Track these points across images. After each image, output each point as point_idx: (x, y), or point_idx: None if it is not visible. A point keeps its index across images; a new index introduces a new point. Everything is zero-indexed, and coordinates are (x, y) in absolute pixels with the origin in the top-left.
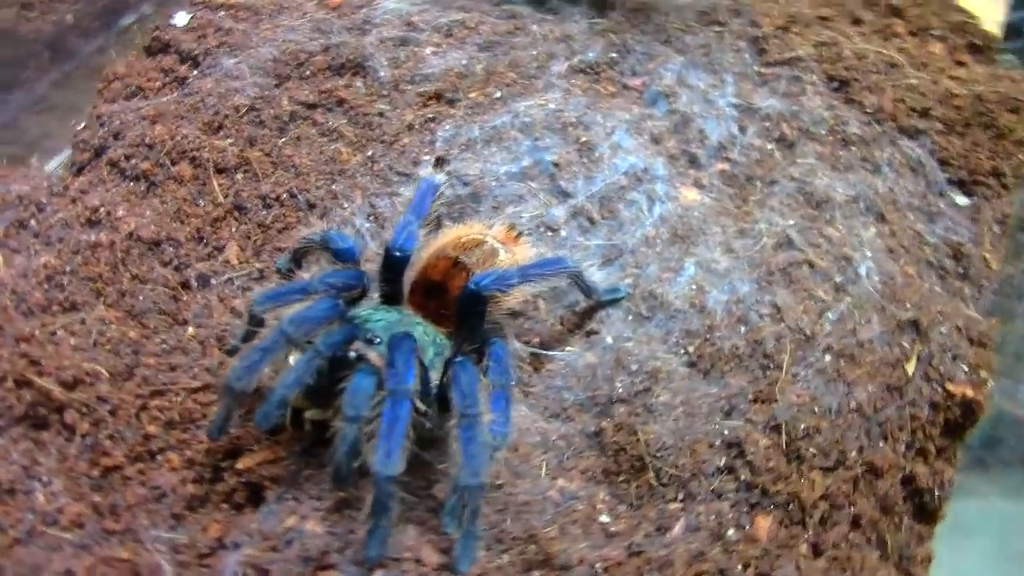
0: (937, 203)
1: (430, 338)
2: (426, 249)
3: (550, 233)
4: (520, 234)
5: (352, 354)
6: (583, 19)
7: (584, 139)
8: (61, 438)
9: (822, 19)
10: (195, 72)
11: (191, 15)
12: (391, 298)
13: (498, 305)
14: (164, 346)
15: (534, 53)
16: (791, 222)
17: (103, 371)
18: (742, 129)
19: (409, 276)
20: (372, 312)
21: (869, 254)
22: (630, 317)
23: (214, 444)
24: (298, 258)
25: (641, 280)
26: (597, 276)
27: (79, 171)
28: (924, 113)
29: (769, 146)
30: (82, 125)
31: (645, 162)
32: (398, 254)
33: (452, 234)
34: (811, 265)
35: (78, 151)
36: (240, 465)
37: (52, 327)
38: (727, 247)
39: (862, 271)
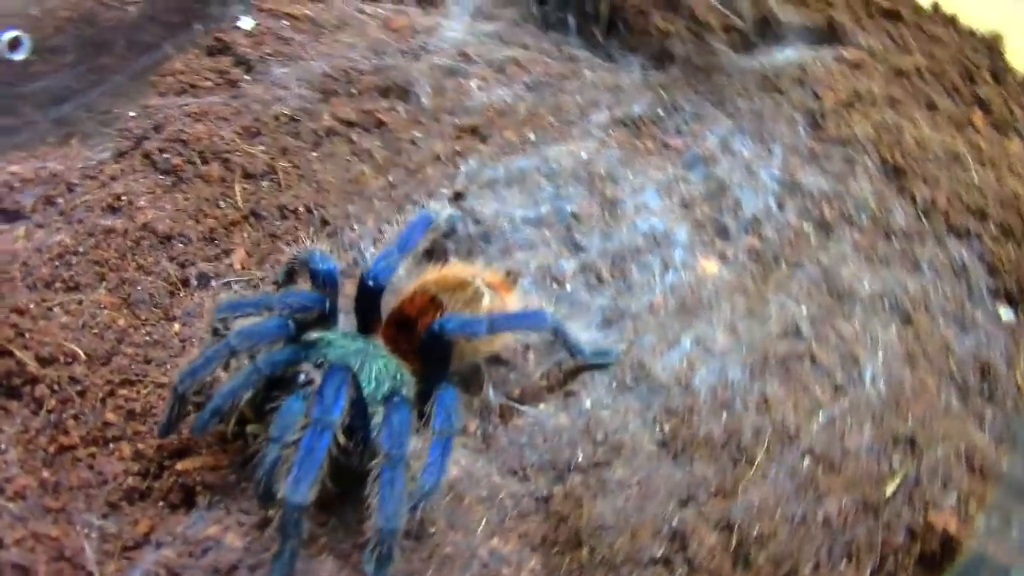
0: (974, 313)
1: (389, 372)
2: (410, 282)
3: (555, 285)
4: (515, 281)
5: (302, 376)
6: (639, 70)
7: (610, 194)
8: (27, 410)
9: (891, 100)
10: (247, 77)
11: (256, 21)
12: (364, 326)
13: (473, 349)
14: (147, 338)
15: (579, 99)
16: (805, 310)
17: (82, 353)
18: (780, 205)
19: (389, 306)
20: (336, 338)
21: (881, 357)
22: (614, 384)
23: (162, 441)
24: (290, 272)
25: (635, 348)
26: (587, 336)
27: (117, 158)
28: (980, 213)
29: (805, 226)
30: (132, 114)
31: (668, 226)
32: (371, 283)
33: (440, 271)
34: (813, 359)
35: (122, 139)
36: (180, 466)
37: (50, 303)
38: (731, 327)
39: (867, 374)
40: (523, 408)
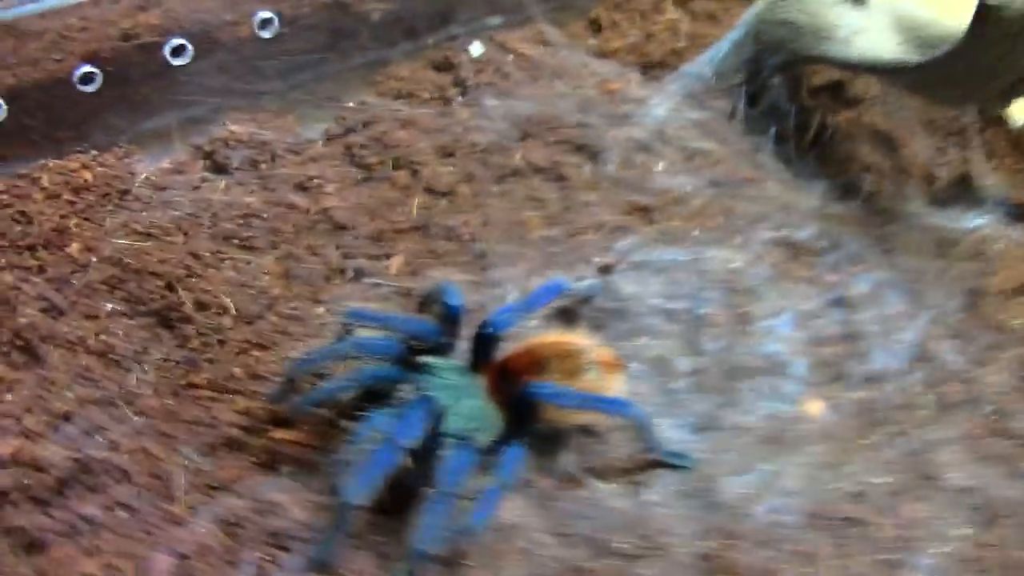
0: None
1: (477, 414)
2: (529, 338)
3: (665, 379)
4: (625, 365)
5: (400, 394)
6: (819, 197)
7: (746, 308)
8: (174, 343)
9: None
10: (460, 99)
11: (485, 50)
12: (475, 365)
13: (562, 416)
14: (293, 312)
15: (752, 208)
16: (884, 479)
17: (233, 308)
18: (908, 371)
19: (502, 353)
20: (444, 367)
21: (944, 551)
22: (680, 487)
23: (271, 406)
24: (429, 295)
25: (713, 461)
26: (676, 435)
27: (325, 141)
28: None
29: (924, 399)
30: (350, 104)
31: (790, 356)
32: (488, 331)
33: (558, 336)
34: (872, 531)
35: (333, 125)
36: (276, 434)
37: (223, 256)
38: (808, 471)
39: (922, 562)
40: (591, 480)
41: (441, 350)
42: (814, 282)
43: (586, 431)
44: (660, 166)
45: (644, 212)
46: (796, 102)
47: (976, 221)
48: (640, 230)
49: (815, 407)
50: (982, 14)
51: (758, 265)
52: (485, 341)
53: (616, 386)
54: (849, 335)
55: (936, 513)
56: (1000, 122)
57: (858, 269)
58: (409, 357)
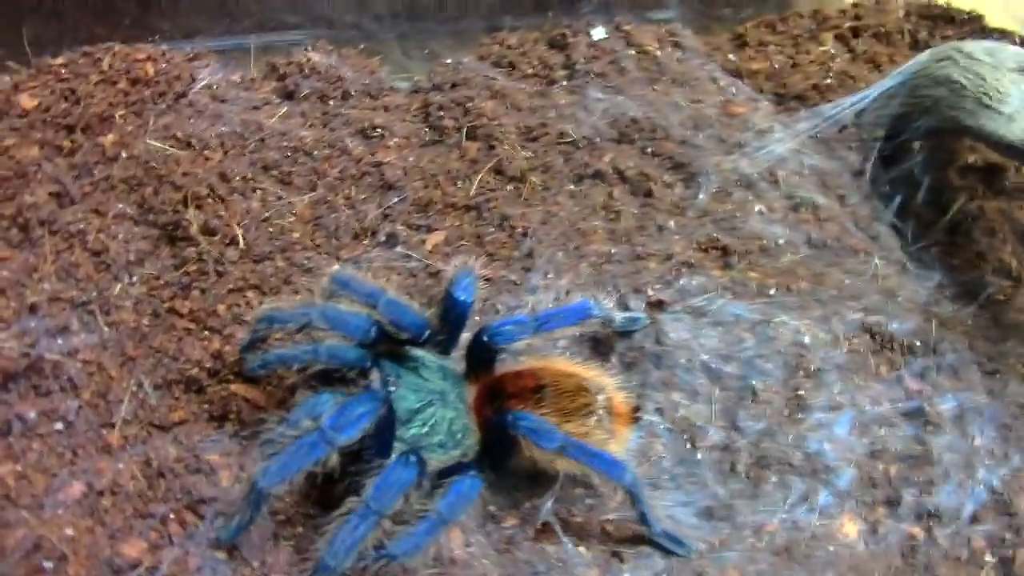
0: None
1: (449, 427)
2: (535, 358)
3: (688, 446)
4: (638, 419)
5: (373, 380)
6: (931, 290)
7: (803, 394)
8: (172, 262)
9: None
10: (564, 83)
11: (607, 37)
12: (470, 373)
13: (544, 458)
14: (304, 261)
15: (847, 283)
16: None
17: (243, 242)
18: (975, 518)
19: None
20: (432, 366)
21: None
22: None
23: (241, 356)
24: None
25: (711, 557)
26: (682, 512)
27: (406, 93)
28: None
29: (983, 559)
30: (447, 61)
31: (838, 463)
32: (485, 339)
33: (570, 365)
34: None
35: (423, 78)
36: (234, 387)
37: (255, 185)
38: None
39: None
40: (565, 540)
41: (441, 347)
42: (892, 385)
43: (577, 479)
44: (757, 208)
45: (722, 254)
46: (935, 176)
47: None
48: (711, 273)
49: (850, 529)
50: None
51: (833, 348)
52: (480, 349)
53: (620, 440)
54: (915, 457)
55: None
56: None
57: (950, 384)
58: (387, 344)
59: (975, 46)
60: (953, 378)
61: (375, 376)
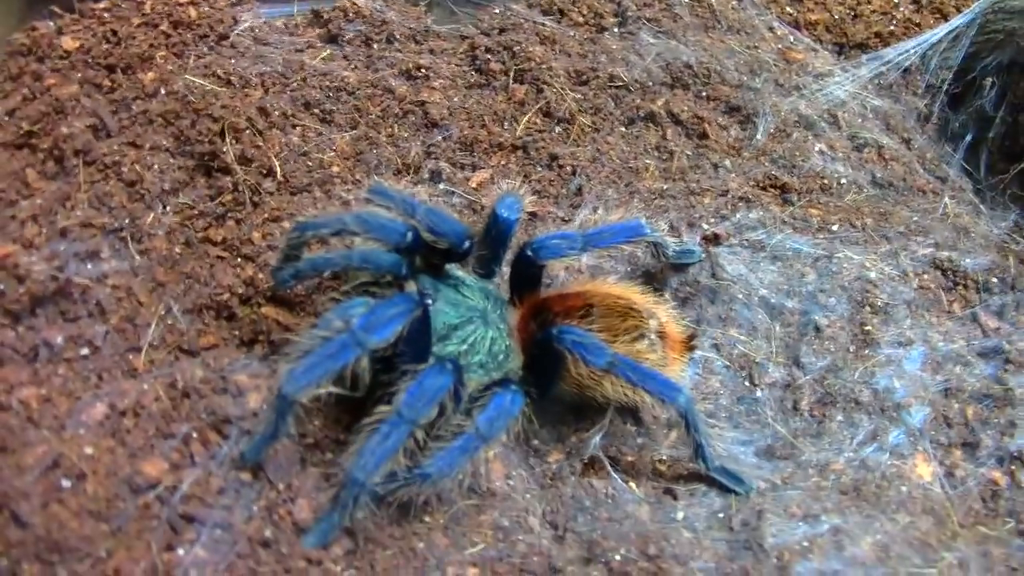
0: None
1: (489, 346)
2: (584, 279)
3: (747, 383)
4: (693, 348)
5: (410, 292)
6: (1008, 229)
7: (871, 329)
8: (206, 192)
9: None
10: (616, 29)
11: None
12: (515, 295)
13: (594, 382)
14: (344, 194)
15: (916, 220)
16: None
17: (279, 173)
18: None
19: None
20: (470, 284)
21: None
22: (719, 514)
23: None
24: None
25: (771, 497)
26: (734, 450)
27: (453, 38)
28: None
29: None
30: (496, 10)
31: (909, 400)
32: (529, 254)
33: (624, 288)
34: None
35: (470, 24)
36: (264, 310)
37: (294, 121)
38: (885, 545)
39: None
40: (615, 474)
41: (484, 268)
42: (968, 322)
43: (630, 415)
44: (818, 147)
45: (781, 190)
46: (1013, 115)
47: None
48: (770, 208)
49: (924, 471)
50: None
51: (902, 283)
52: (524, 265)
53: (674, 369)
54: (995, 397)
55: None
56: None
57: None
58: (427, 259)
59: None
60: None
61: (412, 289)
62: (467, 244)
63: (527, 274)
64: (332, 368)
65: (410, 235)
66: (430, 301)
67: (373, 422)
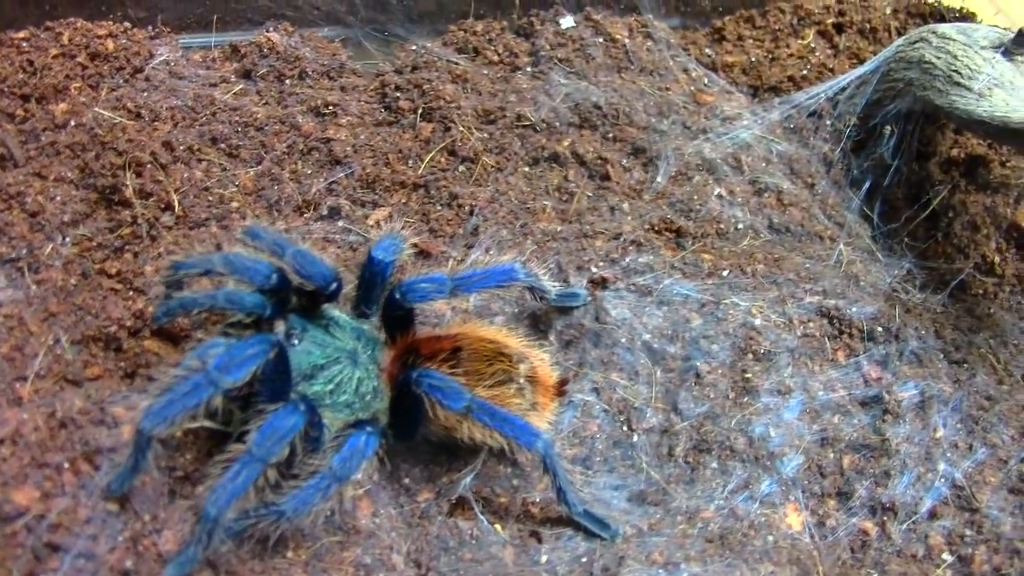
0: None
1: (355, 387)
2: (464, 321)
3: (625, 428)
4: (564, 392)
5: (278, 332)
6: (900, 279)
7: (751, 376)
8: (105, 224)
9: None
10: (528, 68)
11: (575, 26)
12: (389, 335)
13: (456, 424)
14: (237, 235)
15: (808, 268)
16: None
17: (178, 208)
18: (933, 514)
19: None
20: (341, 324)
21: None
22: (583, 558)
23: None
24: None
25: (635, 543)
26: (604, 495)
27: (364, 75)
28: None
29: (945, 555)
30: (412, 48)
31: (784, 449)
32: (396, 296)
33: (495, 331)
34: None
35: (382, 61)
36: (147, 343)
37: (199, 156)
38: None
39: None
40: (481, 516)
41: (359, 309)
42: (851, 371)
43: (506, 457)
44: (716, 191)
45: (676, 234)
46: (911, 165)
47: None
48: (661, 252)
49: (794, 521)
50: None
51: (787, 330)
52: (394, 307)
53: (544, 413)
54: (871, 447)
55: None
56: None
57: (912, 372)
58: (299, 300)
59: (949, 27)
60: (916, 366)
61: (280, 328)
62: (334, 286)
63: (397, 316)
64: (187, 406)
65: (275, 277)
66: (296, 342)
67: (226, 459)
